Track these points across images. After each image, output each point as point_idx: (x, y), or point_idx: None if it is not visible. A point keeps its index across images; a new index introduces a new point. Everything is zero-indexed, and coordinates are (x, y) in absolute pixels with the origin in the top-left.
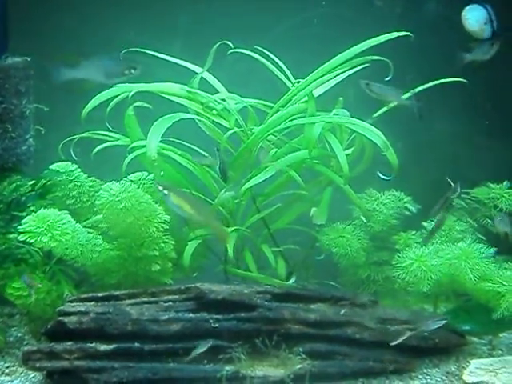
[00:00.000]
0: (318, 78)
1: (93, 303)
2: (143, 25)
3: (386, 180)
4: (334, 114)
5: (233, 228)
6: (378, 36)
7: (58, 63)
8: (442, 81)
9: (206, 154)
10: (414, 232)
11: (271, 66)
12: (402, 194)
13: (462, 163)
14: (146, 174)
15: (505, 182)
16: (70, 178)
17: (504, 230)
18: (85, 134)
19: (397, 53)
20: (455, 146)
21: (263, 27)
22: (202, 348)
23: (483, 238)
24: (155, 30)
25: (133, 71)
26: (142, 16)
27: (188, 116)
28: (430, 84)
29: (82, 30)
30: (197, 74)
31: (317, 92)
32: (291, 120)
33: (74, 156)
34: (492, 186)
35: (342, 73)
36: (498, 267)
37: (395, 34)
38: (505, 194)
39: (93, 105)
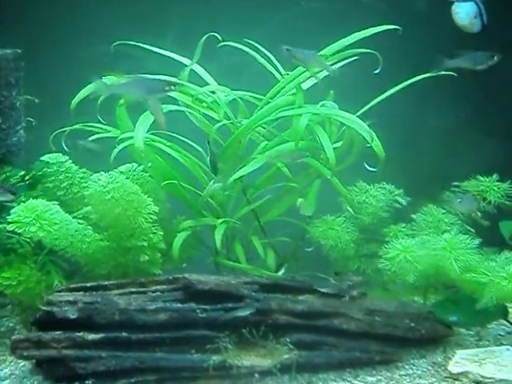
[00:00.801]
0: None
1: (81, 293)
2: (135, 17)
3: (373, 172)
4: (321, 106)
5: (222, 220)
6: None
7: (107, 79)
8: (429, 74)
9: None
10: (404, 224)
11: (261, 60)
12: (393, 186)
13: (453, 157)
14: (135, 165)
15: (494, 175)
16: (60, 170)
17: (464, 211)
18: (76, 126)
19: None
20: (447, 140)
21: (255, 20)
22: (244, 312)
23: (472, 230)
24: (147, 23)
25: (173, 87)
26: (134, 8)
27: (176, 108)
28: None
29: (72, 22)
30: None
31: (307, 84)
32: (279, 112)
33: (65, 148)
34: (481, 178)
35: (332, 64)
36: (484, 258)
37: (383, 27)
38: (494, 187)
39: (80, 97)
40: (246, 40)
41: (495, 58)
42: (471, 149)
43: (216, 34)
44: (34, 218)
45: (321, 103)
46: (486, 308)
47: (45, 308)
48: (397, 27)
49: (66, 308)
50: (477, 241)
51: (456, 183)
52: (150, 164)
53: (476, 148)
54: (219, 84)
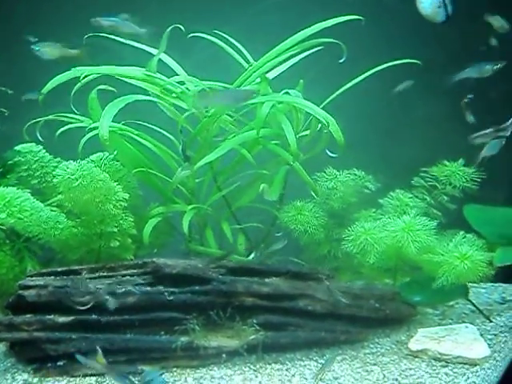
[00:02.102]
0: (271, 60)
1: (52, 277)
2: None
3: (333, 157)
4: (284, 94)
5: (192, 206)
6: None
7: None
8: (396, 62)
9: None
10: (374, 209)
11: (230, 50)
12: (363, 172)
13: (423, 144)
14: (106, 153)
15: (460, 160)
16: (34, 159)
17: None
18: (50, 117)
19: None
20: (418, 128)
21: (227, 13)
22: (278, 246)
23: (439, 213)
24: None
25: (254, 95)
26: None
27: (144, 98)
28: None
29: (47, 13)
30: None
31: (274, 73)
32: None
33: (40, 138)
34: (447, 163)
35: (297, 54)
36: (442, 239)
37: (345, 18)
38: (458, 172)
39: (49, 87)
40: (215, 31)
41: (499, 65)
42: (441, 135)
43: (180, 26)
44: (3, 205)
45: (283, 92)
46: (448, 287)
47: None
48: (359, 17)
49: (106, 297)
50: (434, 223)
51: (424, 169)
52: (115, 152)
53: (445, 134)
54: (195, 75)
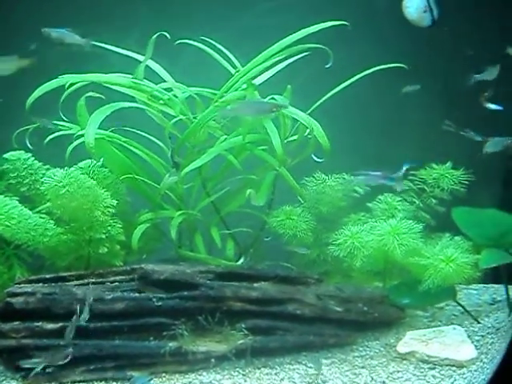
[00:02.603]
0: (257, 66)
1: (40, 284)
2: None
3: (319, 162)
4: (271, 99)
5: (180, 212)
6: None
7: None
8: (383, 67)
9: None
10: (363, 213)
11: (217, 56)
12: (352, 177)
13: (413, 147)
14: (95, 160)
15: (448, 163)
16: (23, 166)
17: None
18: (39, 124)
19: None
20: (407, 131)
21: (215, 18)
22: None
23: (428, 216)
24: (111, 21)
25: (278, 108)
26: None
27: (130, 105)
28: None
29: (33, 18)
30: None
31: (261, 79)
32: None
33: (29, 145)
34: (435, 166)
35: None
36: (429, 242)
37: (330, 23)
38: (447, 174)
39: (36, 95)
40: (203, 38)
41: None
42: (431, 139)
43: (165, 33)
44: None
45: (269, 97)
46: (435, 290)
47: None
48: (345, 23)
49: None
50: (421, 225)
51: (412, 172)
52: (102, 159)
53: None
54: (184, 81)
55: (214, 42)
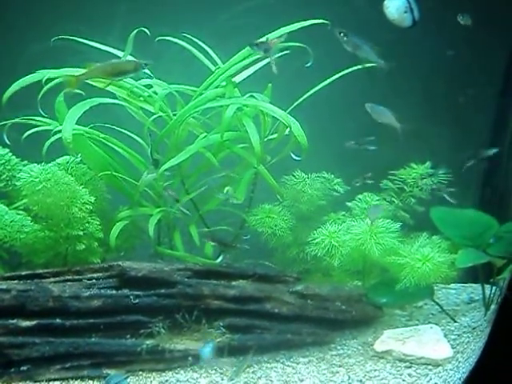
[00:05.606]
0: (237, 63)
1: (15, 281)
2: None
3: (297, 160)
4: (250, 97)
5: (158, 209)
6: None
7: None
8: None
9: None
10: (343, 212)
11: (198, 53)
12: (332, 176)
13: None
14: (72, 157)
15: (427, 163)
16: (0, 162)
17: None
18: (17, 120)
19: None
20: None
21: (197, 16)
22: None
23: (407, 215)
24: (95, 19)
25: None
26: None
27: (109, 101)
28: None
29: (15, 16)
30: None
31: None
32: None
33: (7, 141)
34: (414, 166)
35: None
36: (407, 241)
37: (310, 22)
38: (426, 174)
39: (13, 90)
40: (184, 34)
41: None
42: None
43: (145, 30)
44: None
45: (248, 95)
46: (413, 289)
47: None
48: (325, 22)
49: None
50: (398, 225)
51: (392, 171)
52: (80, 155)
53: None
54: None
55: (195, 40)
